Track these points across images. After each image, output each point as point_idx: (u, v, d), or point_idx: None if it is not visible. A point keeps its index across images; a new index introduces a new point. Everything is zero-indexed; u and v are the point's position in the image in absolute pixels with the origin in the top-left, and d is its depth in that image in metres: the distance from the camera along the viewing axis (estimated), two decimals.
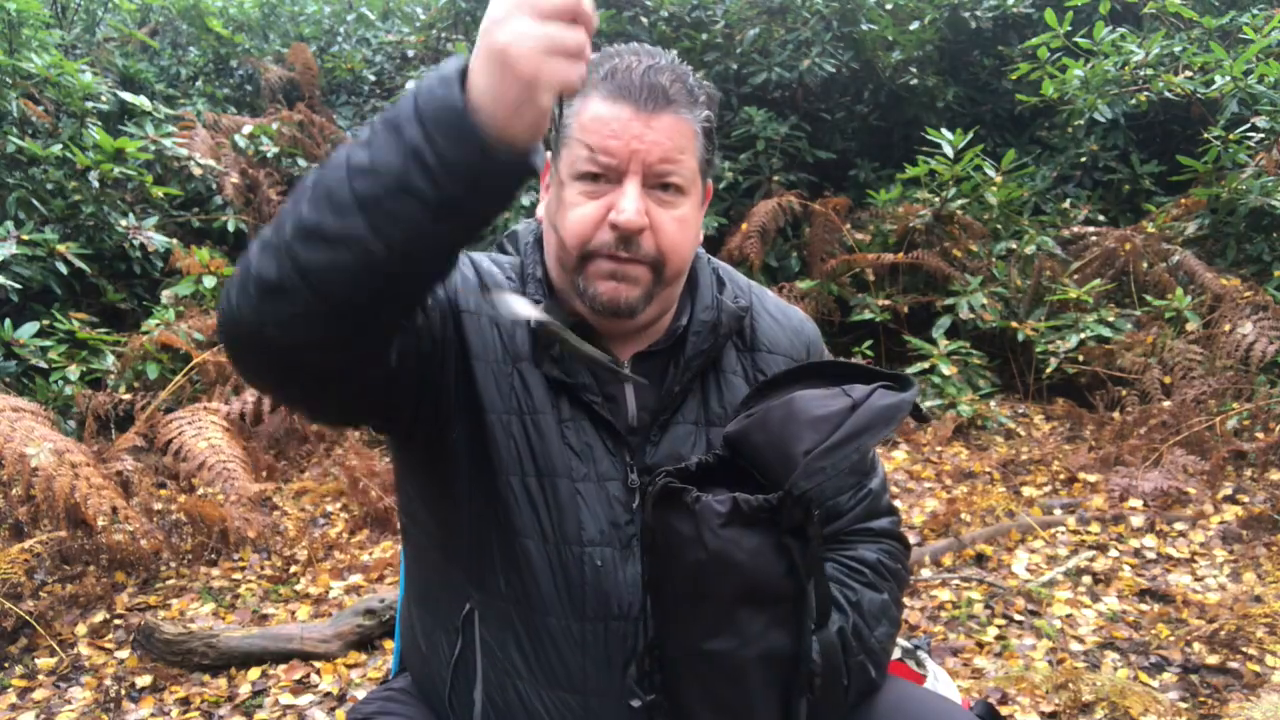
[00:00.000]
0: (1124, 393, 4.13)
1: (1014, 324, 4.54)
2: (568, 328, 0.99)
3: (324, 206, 0.79)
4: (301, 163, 5.93)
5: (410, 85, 0.98)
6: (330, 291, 0.80)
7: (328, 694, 2.50)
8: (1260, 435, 3.75)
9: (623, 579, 1.05)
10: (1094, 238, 4.96)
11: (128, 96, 5.34)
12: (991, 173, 4.99)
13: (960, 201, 4.96)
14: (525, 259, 1.14)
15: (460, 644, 1.10)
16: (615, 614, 1.04)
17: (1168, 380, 4.02)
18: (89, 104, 5.00)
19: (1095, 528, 3.28)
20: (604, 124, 1.02)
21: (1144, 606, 2.81)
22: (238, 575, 3.11)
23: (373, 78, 6.96)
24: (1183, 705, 2.32)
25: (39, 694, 2.51)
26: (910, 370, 4.34)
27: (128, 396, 3.85)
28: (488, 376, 1.07)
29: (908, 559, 1.18)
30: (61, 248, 4.31)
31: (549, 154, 1.07)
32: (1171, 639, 2.62)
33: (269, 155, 5.79)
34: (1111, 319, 4.42)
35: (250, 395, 3.64)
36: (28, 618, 2.73)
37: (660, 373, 1.12)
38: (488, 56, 0.75)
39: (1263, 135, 4.91)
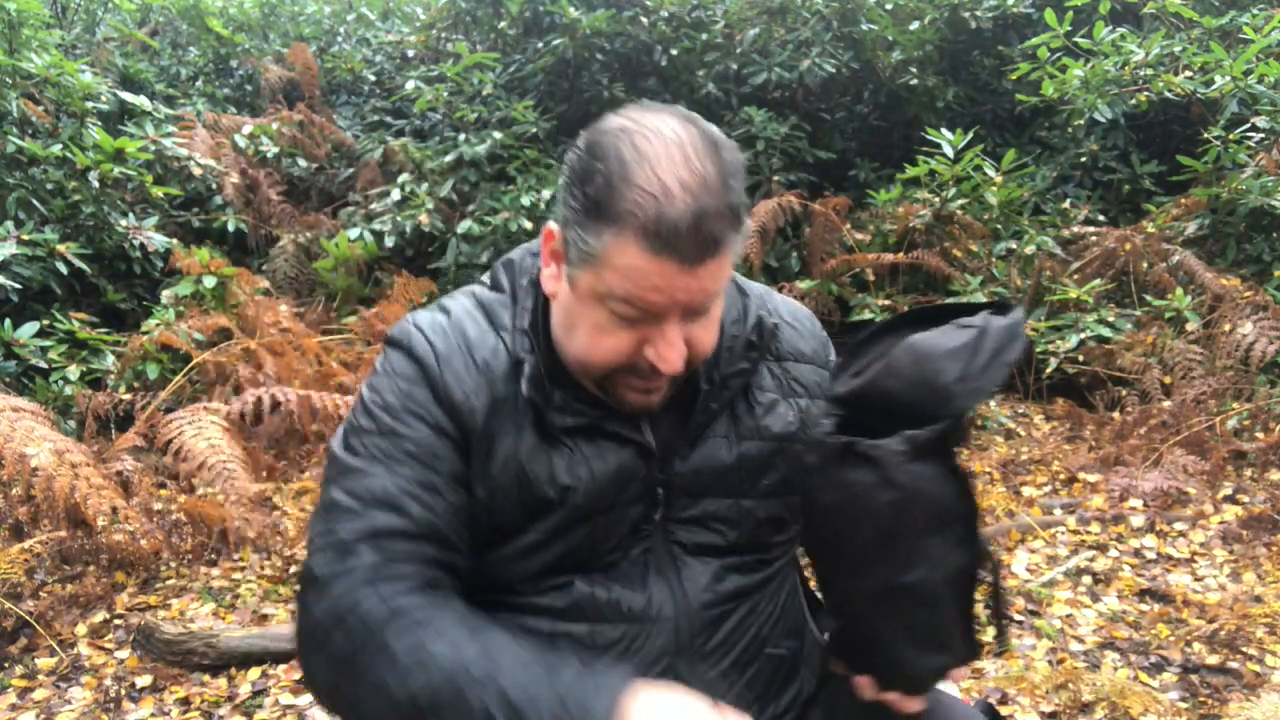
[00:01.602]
0: (1124, 393, 4.13)
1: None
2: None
3: None
4: (301, 163, 5.94)
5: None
6: None
7: None
8: (1260, 435, 3.74)
9: (637, 587, 1.06)
10: (1094, 238, 4.96)
11: (128, 96, 5.34)
12: (991, 173, 4.99)
13: (960, 201, 4.96)
14: (516, 303, 1.08)
15: None
16: (631, 616, 1.06)
17: (1168, 380, 4.02)
18: (89, 104, 5.00)
19: (1095, 528, 3.28)
20: (645, 277, 0.91)
21: (1144, 606, 2.81)
22: (238, 575, 3.11)
23: (373, 78, 6.96)
24: (1183, 705, 2.32)
25: (39, 694, 2.51)
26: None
27: (128, 396, 3.84)
28: (507, 454, 1.04)
29: None
30: (61, 248, 4.31)
31: (557, 232, 1.00)
32: (1171, 639, 2.62)
33: (269, 155, 5.80)
34: (1111, 319, 4.42)
35: (250, 395, 3.64)
36: (28, 618, 2.73)
37: (683, 391, 1.07)
38: None
39: (1263, 135, 4.91)
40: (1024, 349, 0.99)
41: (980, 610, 1.04)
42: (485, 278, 1.16)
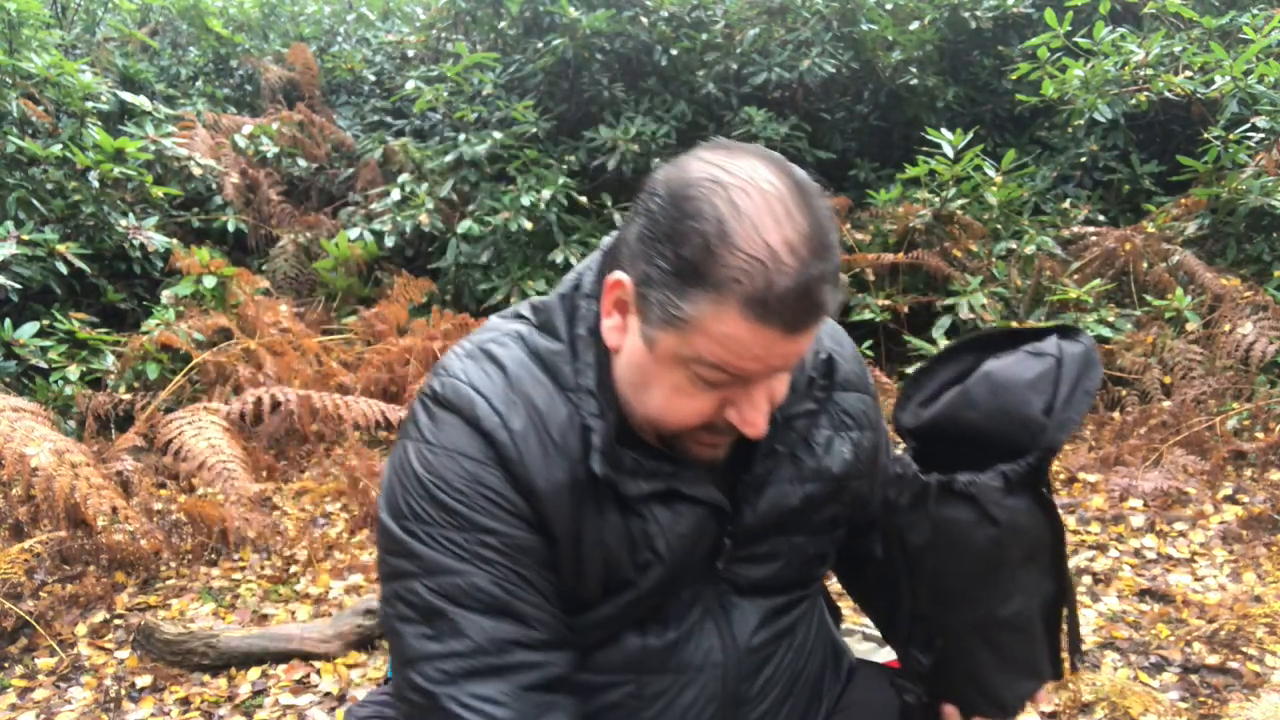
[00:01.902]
0: (1124, 393, 4.13)
1: (1014, 324, 4.54)
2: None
3: None
4: (301, 163, 5.94)
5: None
6: None
7: (328, 694, 2.50)
8: (1260, 435, 3.74)
9: (687, 633, 1.04)
10: (1094, 238, 4.96)
11: (128, 96, 5.34)
12: (991, 173, 5.00)
13: (960, 201, 4.96)
14: (577, 357, 0.97)
15: None
16: (679, 666, 1.03)
17: (1168, 380, 4.01)
18: (89, 104, 5.00)
19: (1095, 528, 3.28)
20: (744, 347, 0.84)
21: (1144, 606, 2.81)
22: (238, 575, 3.11)
23: (373, 78, 6.97)
24: (1183, 705, 2.32)
25: (39, 694, 2.51)
26: (910, 371, 4.34)
27: (128, 396, 3.85)
28: (592, 539, 0.98)
29: None
30: (61, 248, 4.31)
31: (629, 284, 0.90)
32: (1171, 639, 2.62)
33: (269, 155, 5.80)
34: (1111, 319, 4.42)
35: (250, 395, 3.64)
36: (28, 618, 2.73)
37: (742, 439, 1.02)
38: None
39: (1263, 135, 4.91)
40: (1099, 374, 0.98)
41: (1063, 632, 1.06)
42: (527, 311, 1.04)
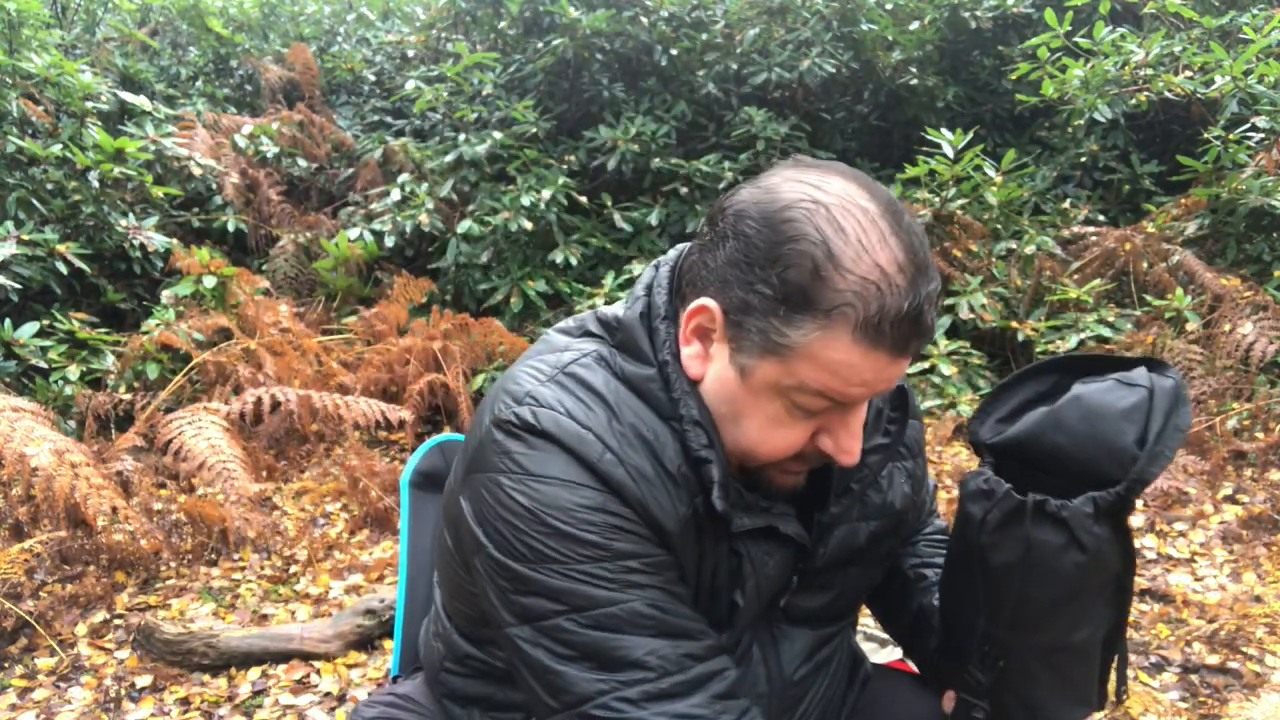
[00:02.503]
0: None
1: (1014, 324, 4.54)
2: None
3: None
4: (301, 163, 5.94)
5: None
6: None
7: (328, 694, 2.50)
8: (1260, 435, 3.74)
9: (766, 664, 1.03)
10: (1094, 238, 4.96)
11: (128, 96, 5.34)
12: (991, 173, 5.00)
13: (960, 201, 4.96)
14: (671, 383, 0.92)
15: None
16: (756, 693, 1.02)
17: None
18: (89, 104, 5.00)
19: None
20: (855, 372, 0.83)
21: (1144, 606, 2.81)
22: (238, 575, 3.11)
23: (373, 78, 6.97)
24: (1183, 705, 2.32)
25: (39, 694, 2.51)
26: (910, 370, 4.34)
27: (128, 396, 3.85)
28: (706, 574, 0.96)
29: None
30: (61, 248, 4.31)
31: (717, 310, 0.87)
32: (1171, 639, 2.62)
33: (269, 155, 5.80)
34: (1111, 319, 4.42)
35: (250, 395, 3.64)
36: (28, 618, 2.73)
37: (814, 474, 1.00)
38: None
39: (1263, 135, 4.91)
40: (1189, 409, 0.97)
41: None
42: (597, 328, 0.99)
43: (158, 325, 4.11)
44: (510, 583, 0.88)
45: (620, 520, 0.87)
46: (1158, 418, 0.93)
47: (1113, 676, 1.07)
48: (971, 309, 4.57)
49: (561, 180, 5.22)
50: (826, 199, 0.81)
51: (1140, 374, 0.96)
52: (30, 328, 3.96)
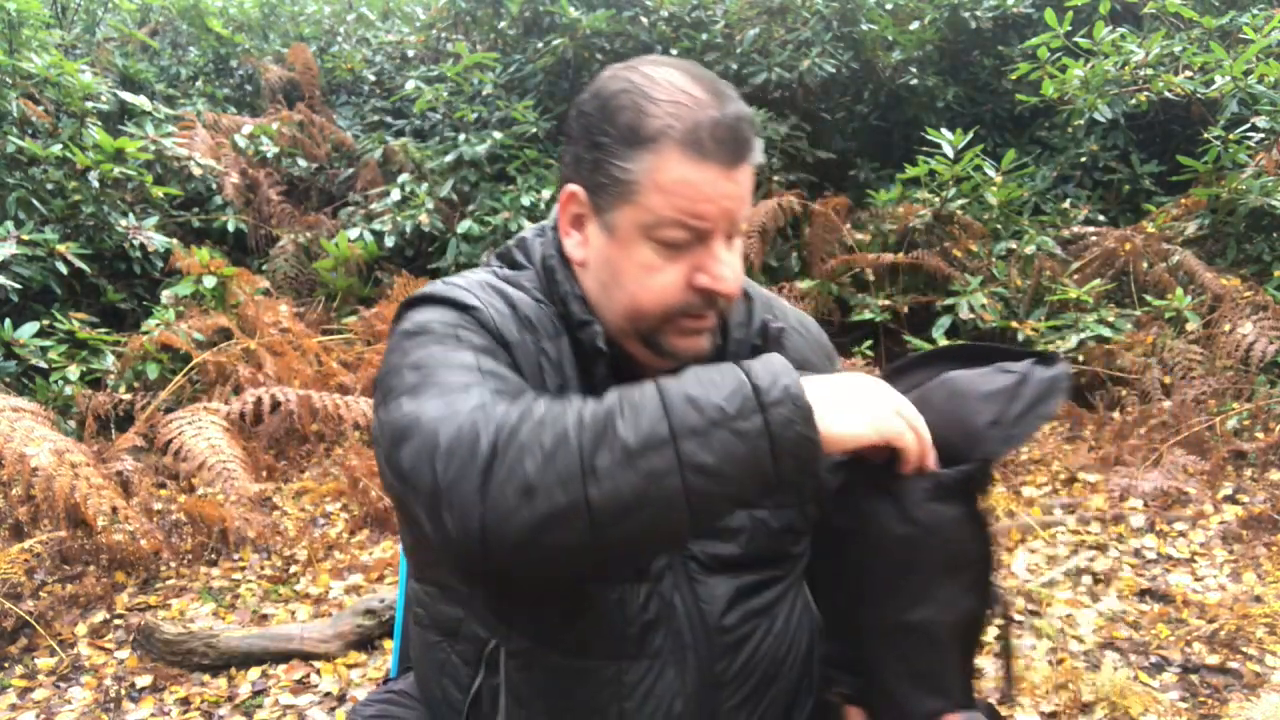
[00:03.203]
0: (1124, 393, 4.13)
1: (1014, 324, 4.54)
2: (605, 355, 1.02)
3: (647, 493, 0.79)
4: (301, 163, 5.94)
5: (747, 389, 0.81)
6: (616, 545, 0.82)
7: (328, 694, 2.50)
8: (1260, 435, 3.74)
9: (655, 614, 1.03)
10: (1094, 238, 4.96)
11: (128, 96, 5.34)
12: (991, 173, 4.99)
13: (960, 201, 4.96)
14: (555, 274, 1.05)
15: (481, 677, 1.05)
16: (650, 651, 1.03)
17: (1168, 380, 4.01)
18: (89, 104, 5.00)
19: (1095, 528, 3.28)
20: (694, 188, 0.93)
21: (1144, 606, 2.81)
22: (238, 575, 3.11)
23: (373, 78, 6.97)
24: (1183, 705, 2.32)
25: (39, 694, 2.51)
26: None
27: (128, 396, 3.85)
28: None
29: None
30: (61, 248, 4.31)
31: (579, 189, 1.00)
32: (1171, 639, 2.62)
33: (269, 155, 5.80)
34: (1111, 319, 4.42)
35: (250, 395, 3.64)
36: (28, 618, 2.73)
37: None
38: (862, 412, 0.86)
39: (1263, 135, 4.91)
40: (1062, 403, 0.98)
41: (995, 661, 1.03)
42: (492, 260, 1.12)
43: (158, 325, 4.11)
44: (377, 393, 0.95)
45: (469, 334, 0.96)
46: (1020, 403, 0.95)
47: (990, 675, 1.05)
48: (971, 309, 4.57)
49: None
50: (637, 64, 0.99)
51: (1023, 365, 0.98)
52: (30, 328, 3.96)
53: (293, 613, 2.89)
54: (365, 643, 2.70)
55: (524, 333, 1.00)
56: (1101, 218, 5.42)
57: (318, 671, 2.59)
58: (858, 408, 0.87)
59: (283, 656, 2.63)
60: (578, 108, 1.01)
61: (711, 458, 0.79)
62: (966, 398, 0.96)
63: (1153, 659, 2.54)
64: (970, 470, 0.95)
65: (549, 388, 1.00)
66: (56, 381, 3.86)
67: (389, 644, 2.68)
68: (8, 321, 3.94)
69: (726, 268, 0.97)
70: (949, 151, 4.82)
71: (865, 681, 1.03)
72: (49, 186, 4.61)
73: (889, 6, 5.86)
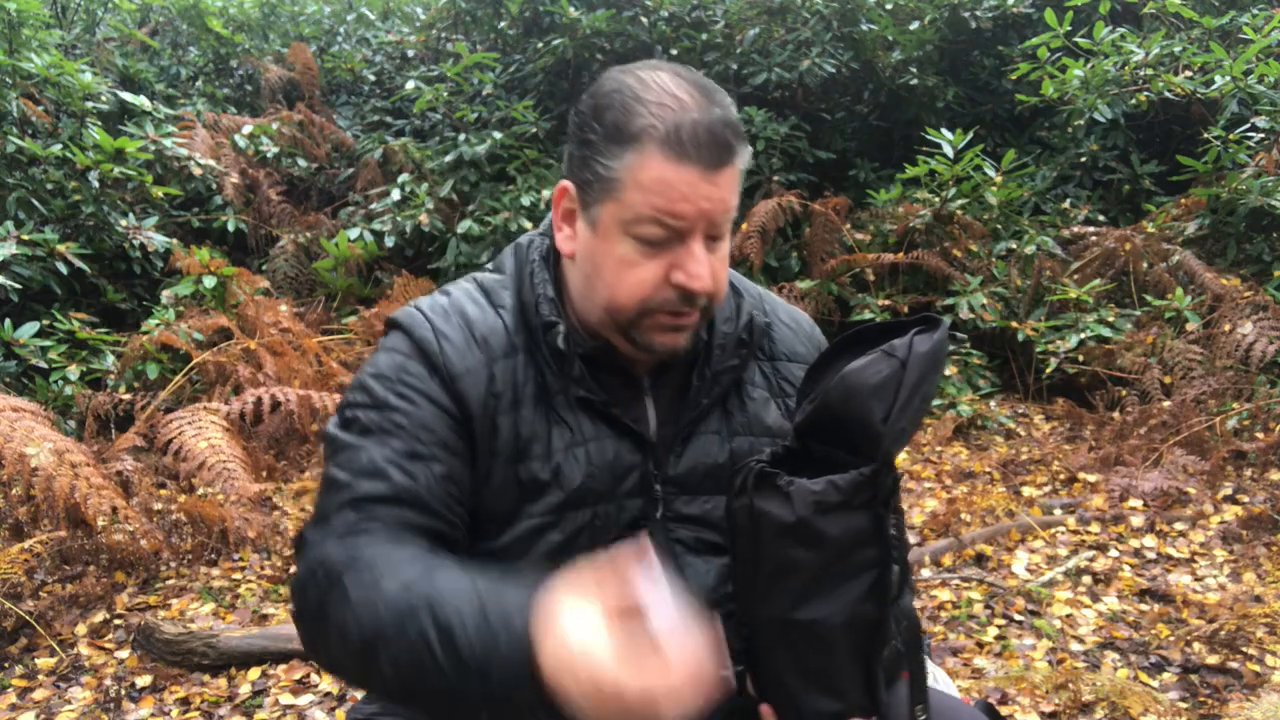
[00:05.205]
0: (1124, 393, 4.13)
1: (1014, 324, 4.54)
2: (590, 352, 1.06)
3: (395, 671, 0.88)
4: (301, 163, 5.94)
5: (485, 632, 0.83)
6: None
7: (328, 694, 2.50)
8: (1260, 435, 3.74)
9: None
10: (1094, 238, 4.96)
11: (128, 96, 5.34)
12: (991, 173, 4.99)
13: (960, 201, 4.96)
14: (533, 278, 1.09)
15: None
16: None
17: (1168, 380, 4.02)
18: (89, 104, 5.00)
19: (1095, 528, 3.28)
20: (672, 188, 0.96)
21: (1144, 606, 2.81)
22: (238, 575, 3.11)
23: (373, 78, 6.97)
24: (1183, 705, 2.32)
25: (39, 694, 2.51)
26: None
27: (128, 396, 3.85)
28: (506, 430, 1.05)
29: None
30: (61, 248, 4.31)
31: (570, 185, 1.04)
32: (1171, 639, 2.62)
33: (269, 155, 5.80)
34: (1111, 319, 4.42)
35: (250, 395, 3.64)
36: (28, 618, 2.73)
37: (679, 384, 1.11)
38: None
39: (1263, 135, 4.91)
40: (942, 373, 0.99)
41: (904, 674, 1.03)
42: (490, 264, 1.18)
43: (158, 325, 4.11)
44: (328, 446, 1.05)
45: (412, 379, 1.03)
46: (905, 390, 0.95)
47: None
48: (971, 309, 4.57)
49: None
50: (635, 69, 1.02)
51: (902, 343, 0.98)
52: (30, 328, 3.96)
53: None
54: None
55: (474, 354, 1.05)
56: (1101, 218, 5.43)
57: (318, 671, 2.59)
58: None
59: (283, 656, 2.62)
60: (576, 107, 1.05)
61: (440, 674, 0.84)
62: (859, 396, 0.97)
63: (1153, 659, 2.54)
64: (864, 475, 0.95)
65: (501, 407, 1.04)
66: (56, 381, 3.86)
67: None
68: (8, 321, 3.94)
69: (703, 266, 0.99)
70: (949, 151, 4.82)
71: (766, 677, 1.04)
72: (49, 186, 4.61)
73: (889, 6, 5.86)
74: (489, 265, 1.18)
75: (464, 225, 5.13)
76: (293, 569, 1.01)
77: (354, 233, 5.21)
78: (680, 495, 1.09)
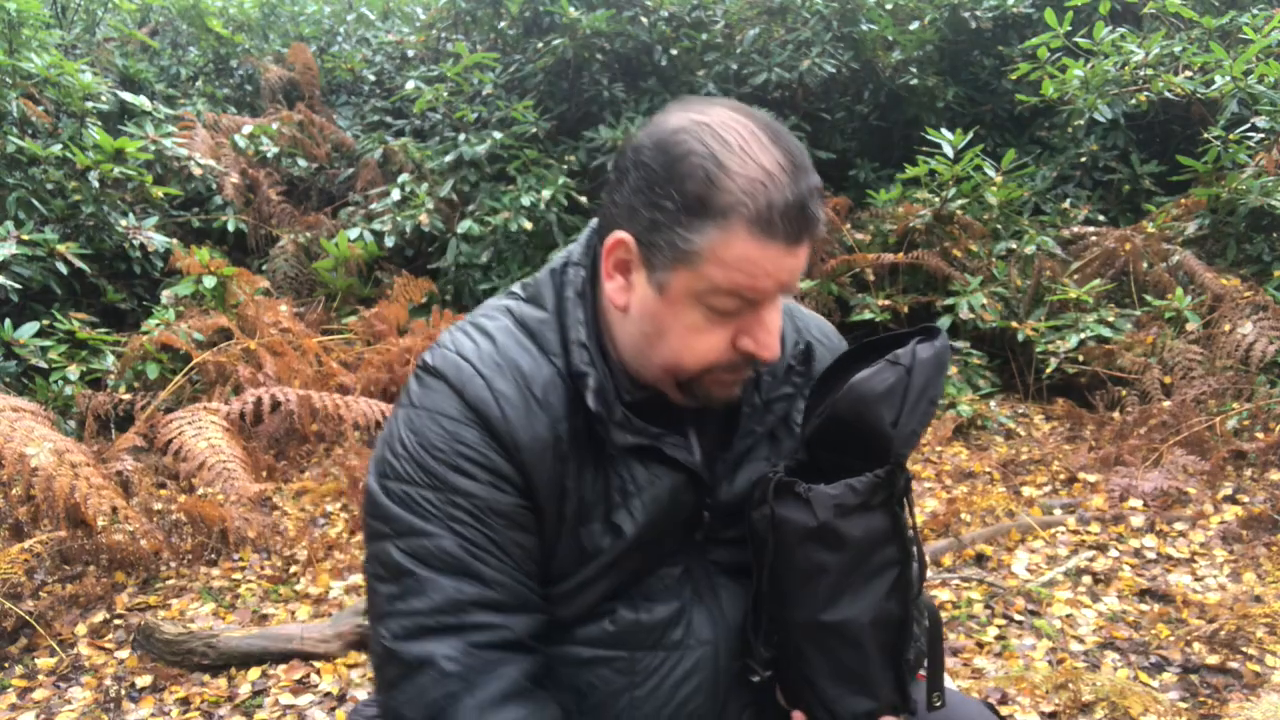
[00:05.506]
0: (1124, 393, 4.13)
1: (1014, 324, 4.54)
2: (637, 400, 1.02)
3: None
4: (301, 163, 5.94)
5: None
6: None
7: (328, 694, 2.50)
8: (1260, 435, 3.74)
9: (677, 609, 1.06)
10: (1094, 238, 4.96)
11: (128, 96, 5.34)
12: (991, 173, 4.99)
13: (960, 201, 4.96)
14: (569, 319, 1.01)
15: None
16: (671, 643, 1.06)
17: (1168, 380, 4.02)
18: (89, 104, 5.00)
19: (1095, 528, 3.28)
20: (755, 265, 0.91)
21: (1144, 606, 2.81)
22: (238, 575, 3.11)
23: (373, 78, 6.97)
24: (1183, 705, 2.32)
25: (39, 694, 2.51)
26: None
27: (128, 396, 3.85)
28: (573, 494, 1.02)
29: None
30: (61, 248, 4.31)
31: (630, 239, 0.95)
32: (1171, 639, 2.62)
33: (269, 155, 5.80)
34: (1111, 319, 4.42)
35: (250, 395, 3.64)
36: (28, 618, 2.73)
37: (724, 413, 1.07)
38: None
39: (1263, 135, 4.91)
40: (945, 376, 1.04)
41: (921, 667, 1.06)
42: (518, 288, 1.10)
43: (158, 325, 4.11)
44: (369, 503, 1.00)
45: (470, 452, 0.96)
46: (912, 395, 0.98)
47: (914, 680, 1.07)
48: (971, 309, 4.57)
49: (561, 180, 5.22)
50: (709, 120, 0.92)
51: (906, 351, 1.00)
52: (30, 328, 3.96)
53: (293, 613, 2.89)
54: (365, 643, 2.69)
55: (538, 417, 0.98)
56: (1101, 218, 5.42)
57: (318, 671, 2.59)
58: None
59: (283, 656, 2.62)
60: (637, 154, 0.94)
61: None
62: (868, 403, 0.98)
63: (1153, 659, 2.54)
64: (882, 476, 0.98)
65: (569, 471, 1.00)
66: (56, 381, 3.86)
67: None
68: (8, 321, 3.94)
69: (773, 337, 0.96)
70: (949, 151, 4.82)
71: (797, 682, 1.06)
72: (49, 186, 4.61)
73: (889, 6, 5.86)
74: (521, 293, 1.08)
75: (464, 225, 5.13)
76: (380, 677, 0.99)
77: (354, 233, 5.21)
78: (724, 520, 1.08)
